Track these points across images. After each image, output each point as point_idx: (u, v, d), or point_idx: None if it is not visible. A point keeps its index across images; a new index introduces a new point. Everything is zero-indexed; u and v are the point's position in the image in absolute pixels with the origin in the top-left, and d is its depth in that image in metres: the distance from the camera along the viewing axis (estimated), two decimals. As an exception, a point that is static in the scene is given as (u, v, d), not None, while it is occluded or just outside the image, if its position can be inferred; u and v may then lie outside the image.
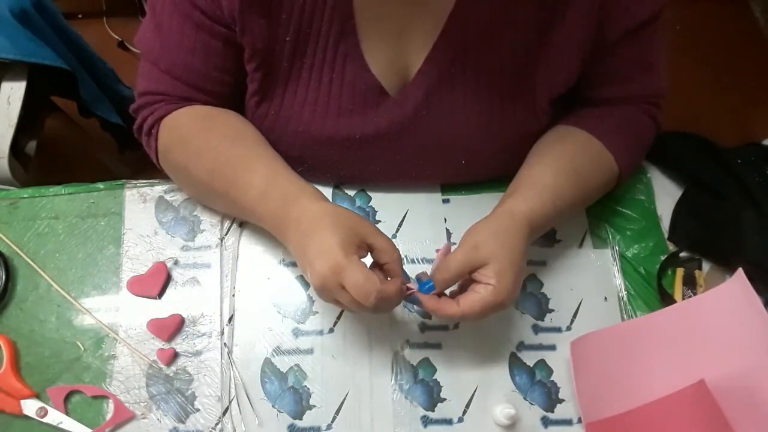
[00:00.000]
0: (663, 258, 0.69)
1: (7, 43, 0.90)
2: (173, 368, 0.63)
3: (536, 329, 0.66)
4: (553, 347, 0.65)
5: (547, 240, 0.70)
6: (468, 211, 0.71)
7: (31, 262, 0.66)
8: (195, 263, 0.67)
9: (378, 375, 0.63)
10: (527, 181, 0.61)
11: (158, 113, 0.63)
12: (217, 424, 0.61)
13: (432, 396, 0.62)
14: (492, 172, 0.70)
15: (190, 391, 0.62)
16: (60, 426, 0.60)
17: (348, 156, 0.65)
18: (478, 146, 0.65)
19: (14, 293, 0.66)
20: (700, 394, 0.58)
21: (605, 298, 0.68)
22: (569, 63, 0.60)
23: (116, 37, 1.73)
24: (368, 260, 0.54)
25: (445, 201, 0.72)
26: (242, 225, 0.69)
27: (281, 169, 0.59)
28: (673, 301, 0.66)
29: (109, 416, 0.61)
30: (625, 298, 0.67)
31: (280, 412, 0.61)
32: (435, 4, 0.55)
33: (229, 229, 0.69)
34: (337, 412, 0.61)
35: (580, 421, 0.62)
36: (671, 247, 0.71)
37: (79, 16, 1.75)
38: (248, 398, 0.62)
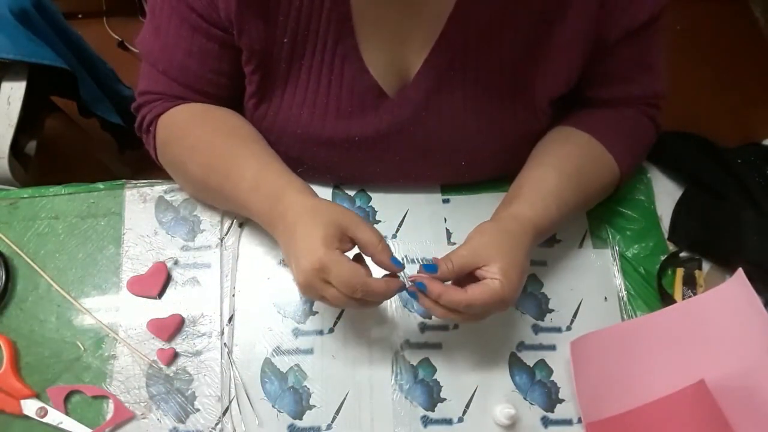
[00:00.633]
0: (663, 258, 0.69)
1: (7, 43, 0.90)
2: (173, 368, 0.63)
3: (536, 329, 0.66)
4: (553, 347, 0.65)
5: (547, 240, 0.69)
6: (468, 211, 0.71)
7: (31, 262, 0.66)
8: (195, 263, 0.67)
9: (378, 375, 0.63)
10: (531, 184, 0.60)
11: (156, 111, 0.63)
12: (217, 424, 0.61)
13: (432, 396, 0.62)
14: (492, 173, 0.70)
15: (190, 391, 0.62)
16: (60, 426, 0.60)
17: (347, 157, 0.65)
18: (477, 147, 0.65)
19: (14, 293, 0.66)
20: (700, 394, 0.58)
21: (605, 298, 0.68)
22: (569, 64, 0.59)
23: (116, 37, 1.73)
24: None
25: (445, 201, 0.72)
26: (242, 225, 0.69)
27: (271, 164, 0.59)
28: (673, 301, 0.66)
29: (109, 416, 0.61)
30: (625, 298, 0.67)
31: (280, 412, 0.61)
32: (434, 5, 0.55)
33: (229, 229, 0.69)
34: (337, 412, 0.61)
35: (580, 421, 0.62)
36: (671, 247, 0.71)
37: (79, 16, 1.75)
38: (248, 398, 0.62)
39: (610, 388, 0.62)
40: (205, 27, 0.57)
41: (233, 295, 0.66)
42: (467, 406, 0.62)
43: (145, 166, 0.70)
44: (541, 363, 0.64)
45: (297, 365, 0.63)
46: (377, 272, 0.53)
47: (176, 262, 0.67)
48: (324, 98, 0.60)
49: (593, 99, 0.67)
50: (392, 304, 0.65)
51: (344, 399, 0.62)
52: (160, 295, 0.66)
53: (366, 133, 0.62)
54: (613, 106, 0.66)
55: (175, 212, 0.70)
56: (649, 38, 0.60)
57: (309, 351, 0.64)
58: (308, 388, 0.62)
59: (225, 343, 0.64)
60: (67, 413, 0.61)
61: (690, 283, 0.68)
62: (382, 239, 0.53)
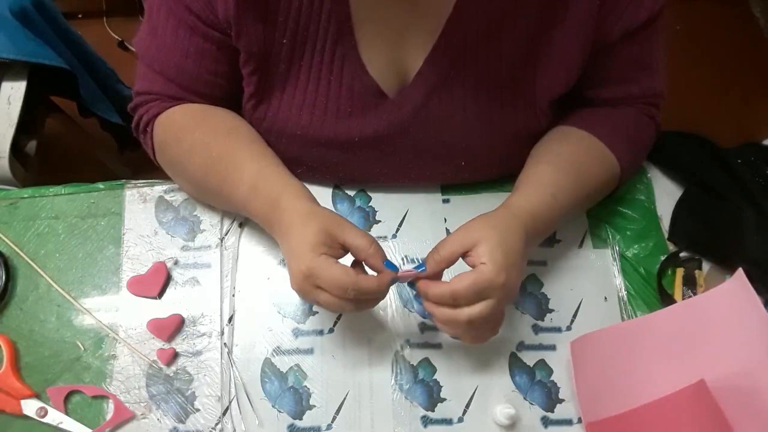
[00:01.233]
0: (663, 258, 0.69)
1: (7, 43, 0.90)
2: (173, 368, 0.63)
3: (536, 329, 0.66)
4: (553, 347, 0.65)
5: (547, 240, 0.69)
6: (468, 211, 0.70)
7: (31, 262, 0.66)
8: (195, 263, 0.67)
9: (378, 375, 0.63)
10: (526, 180, 0.61)
11: (153, 111, 0.63)
12: (217, 424, 0.61)
13: (432, 396, 0.62)
14: (492, 173, 0.70)
15: (190, 391, 0.62)
16: (60, 426, 0.60)
17: (347, 158, 0.65)
18: (477, 147, 0.65)
19: (14, 293, 0.66)
20: (700, 394, 0.58)
21: (605, 298, 0.68)
22: (569, 64, 0.59)
23: (116, 37, 1.73)
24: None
25: (445, 201, 0.72)
26: (242, 225, 0.69)
27: (270, 167, 0.59)
28: (673, 301, 0.66)
29: (109, 416, 0.61)
30: (625, 298, 0.67)
31: (280, 412, 0.61)
32: (434, 5, 0.55)
33: (229, 229, 0.69)
34: (337, 412, 0.61)
35: (580, 421, 0.62)
36: (671, 247, 0.71)
37: (79, 16, 1.75)
38: (248, 398, 0.62)
39: (610, 388, 0.62)
40: (203, 28, 0.57)
41: (233, 295, 0.66)
42: (467, 406, 0.62)
43: (145, 166, 0.70)
44: (541, 363, 0.64)
45: (297, 365, 0.63)
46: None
47: (176, 262, 0.67)
48: (323, 99, 0.60)
49: (593, 99, 0.67)
50: (392, 304, 0.66)
51: (344, 399, 0.62)
52: (160, 295, 0.66)
53: (366, 134, 0.62)
54: (614, 105, 0.66)
55: (175, 212, 0.70)
56: (649, 38, 0.60)
57: (309, 351, 0.64)
58: (308, 388, 0.62)
59: (225, 343, 0.64)
60: (67, 413, 0.61)
61: (690, 283, 0.68)
62: (373, 243, 0.52)
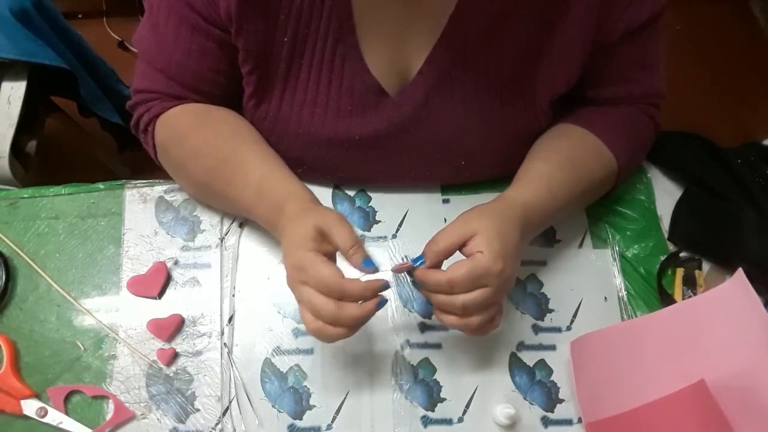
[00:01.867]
0: (663, 258, 0.69)
1: (7, 43, 0.90)
2: (173, 368, 0.63)
3: (536, 329, 0.66)
4: (553, 347, 0.65)
5: (547, 240, 0.70)
6: (468, 212, 0.71)
7: (31, 262, 0.66)
8: (195, 263, 0.67)
9: (378, 375, 0.63)
10: (522, 174, 0.61)
11: (154, 111, 0.63)
12: (217, 424, 0.61)
13: (432, 396, 0.62)
14: (492, 173, 0.70)
15: (190, 391, 0.62)
16: (60, 426, 0.60)
17: (347, 157, 0.65)
18: (477, 147, 0.65)
19: (14, 293, 0.66)
20: (699, 394, 0.58)
21: (605, 298, 0.68)
22: (570, 63, 0.59)
23: (116, 37, 1.73)
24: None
25: (445, 201, 0.72)
26: (242, 225, 0.69)
27: (275, 170, 0.59)
28: (673, 301, 0.66)
29: (109, 416, 0.61)
30: (625, 298, 0.67)
31: (280, 412, 0.61)
32: (436, 4, 0.55)
33: (229, 229, 0.69)
34: (337, 412, 0.61)
35: (580, 421, 0.62)
36: (671, 247, 0.71)
37: (79, 16, 1.75)
38: (248, 398, 0.62)
39: (610, 388, 0.62)
40: (204, 26, 0.57)
41: (233, 295, 0.66)
42: (467, 406, 0.62)
43: (145, 166, 0.70)
44: (541, 363, 0.64)
45: (297, 365, 0.63)
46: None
47: (176, 262, 0.67)
48: (324, 98, 0.60)
49: (594, 98, 0.67)
50: (392, 304, 0.66)
51: (344, 399, 0.62)
52: (160, 295, 0.66)
53: (366, 133, 0.62)
54: (614, 105, 0.67)
55: (175, 212, 0.70)
56: (649, 38, 0.60)
57: (309, 351, 0.64)
58: (308, 388, 0.62)
59: (225, 343, 0.64)
60: (67, 413, 0.61)
61: (690, 283, 0.68)
62: (356, 242, 0.51)
